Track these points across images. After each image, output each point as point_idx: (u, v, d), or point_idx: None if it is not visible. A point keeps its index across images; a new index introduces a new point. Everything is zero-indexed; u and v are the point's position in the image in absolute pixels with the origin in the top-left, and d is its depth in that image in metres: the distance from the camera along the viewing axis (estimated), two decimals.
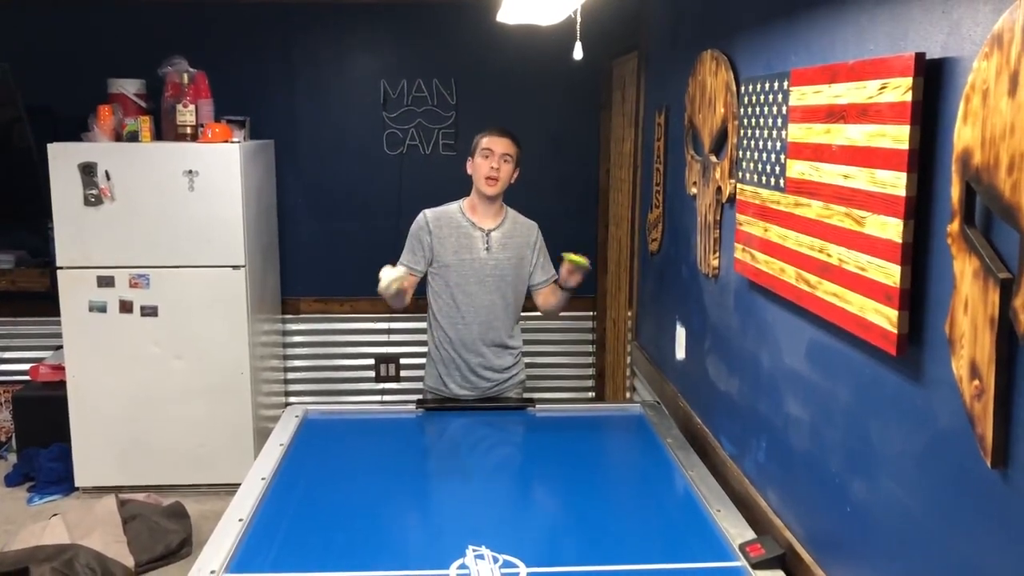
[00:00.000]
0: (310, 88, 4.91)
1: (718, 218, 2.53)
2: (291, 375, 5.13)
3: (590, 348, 5.19)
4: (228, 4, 4.74)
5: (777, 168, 1.99)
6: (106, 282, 4.21)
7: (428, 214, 3.22)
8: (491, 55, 4.80)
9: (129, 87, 4.33)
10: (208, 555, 1.97)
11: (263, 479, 2.40)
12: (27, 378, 4.63)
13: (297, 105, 4.92)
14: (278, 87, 4.89)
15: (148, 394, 4.29)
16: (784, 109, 1.95)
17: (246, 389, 4.35)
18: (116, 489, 4.09)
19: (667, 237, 3.23)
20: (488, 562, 1.93)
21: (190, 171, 4.16)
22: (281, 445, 2.67)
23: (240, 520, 2.14)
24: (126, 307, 4.23)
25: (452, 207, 3.23)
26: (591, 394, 5.19)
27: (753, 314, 2.27)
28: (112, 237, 4.19)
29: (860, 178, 1.58)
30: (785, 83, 1.95)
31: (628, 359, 4.05)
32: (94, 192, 4.13)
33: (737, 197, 2.28)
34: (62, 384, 4.31)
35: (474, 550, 1.97)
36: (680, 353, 3.00)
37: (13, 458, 4.58)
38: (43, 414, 4.45)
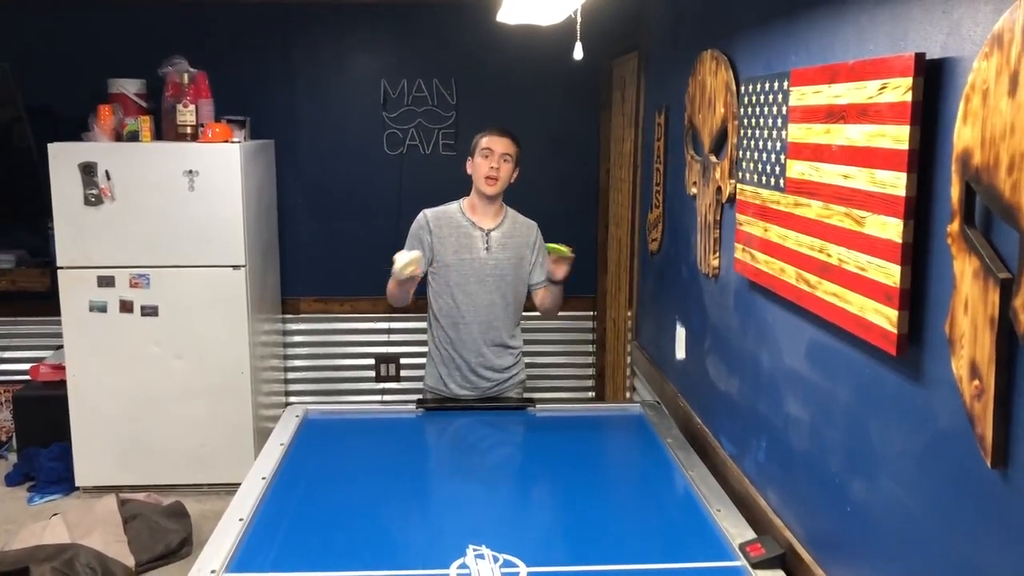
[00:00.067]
0: (310, 88, 4.91)
1: (718, 218, 2.53)
2: (291, 375, 5.14)
3: (590, 348, 5.19)
4: (228, 4, 4.74)
5: (777, 168, 1.99)
6: (106, 282, 4.21)
7: (428, 214, 3.22)
8: (491, 55, 4.80)
9: (129, 87, 4.34)
10: (208, 555, 1.98)
11: (263, 479, 2.40)
12: (27, 378, 4.63)
13: (297, 105, 4.93)
14: (278, 87, 4.90)
15: (148, 394, 4.29)
16: (784, 109, 1.95)
17: (246, 389, 4.35)
18: (116, 489, 4.09)
19: (667, 237, 3.23)
20: (488, 562, 1.93)
21: (190, 171, 4.16)
22: (281, 445, 2.68)
23: (240, 520, 2.14)
24: (126, 307, 4.24)
25: (452, 207, 3.23)
26: (591, 394, 5.19)
27: (753, 314, 2.27)
28: (112, 237, 4.19)
29: (860, 178, 1.58)
30: (785, 83, 1.95)
31: (628, 359, 4.05)
32: (94, 192, 4.13)
33: (737, 197, 2.28)
34: (62, 384, 4.31)
35: (474, 550, 1.98)
36: (680, 353, 3.00)
37: (13, 458, 4.59)
38: (43, 414, 4.45)
